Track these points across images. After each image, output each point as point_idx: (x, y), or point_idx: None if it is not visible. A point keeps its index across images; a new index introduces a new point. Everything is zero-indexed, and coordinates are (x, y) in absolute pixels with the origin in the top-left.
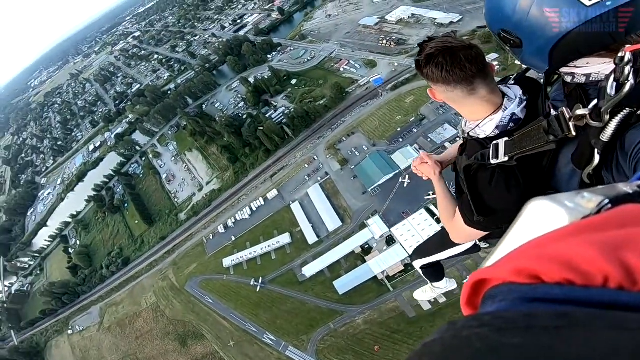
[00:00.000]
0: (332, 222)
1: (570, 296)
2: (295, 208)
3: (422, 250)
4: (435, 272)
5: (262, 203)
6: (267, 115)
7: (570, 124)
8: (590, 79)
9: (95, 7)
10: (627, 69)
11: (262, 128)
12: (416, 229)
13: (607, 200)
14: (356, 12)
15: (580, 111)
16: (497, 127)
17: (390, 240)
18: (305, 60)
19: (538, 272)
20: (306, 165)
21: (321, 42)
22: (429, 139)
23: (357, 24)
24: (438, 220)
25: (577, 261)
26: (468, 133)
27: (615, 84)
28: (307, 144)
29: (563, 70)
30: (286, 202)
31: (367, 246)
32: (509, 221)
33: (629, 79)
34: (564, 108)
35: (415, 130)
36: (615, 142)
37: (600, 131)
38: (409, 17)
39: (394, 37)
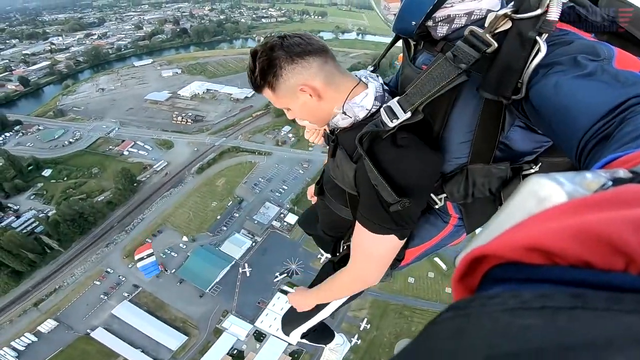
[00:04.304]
0: (171, 339)
1: (587, 280)
2: (101, 336)
3: (295, 317)
4: (323, 332)
5: (35, 339)
6: (2, 225)
7: (487, 35)
8: (473, 17)
9: None
10: None
11: None
12: (281, 315)
13: (610, 182)
14: (141, 87)
15: (503, 10)
16: (376, 99)
17: (259, 336)
18: (66, 142)
19: (552, 250)
20: (96, 282)
21: (91, 119)
22: (255, 222)
23: (144, 99)
24: None
25: (598, 240)
26: (337, 127)
27: None
28: (90, 256)
29: (439, 13)
30: (80, 332)
31: (236, 351)
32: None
33: None
34: (471, 26)
35: (237, 215)
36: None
37: (539, 17)
38: (204, 92)
39: (190, 114)
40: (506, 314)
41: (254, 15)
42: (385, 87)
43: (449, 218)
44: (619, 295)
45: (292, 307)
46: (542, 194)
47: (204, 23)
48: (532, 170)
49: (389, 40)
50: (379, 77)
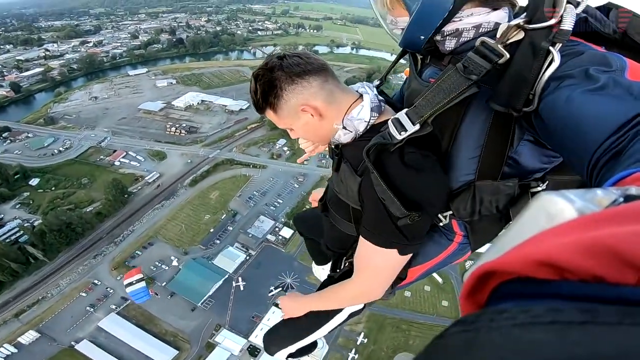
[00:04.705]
0: (161, 353)
1: (598, 294)
2: (86, 348)
3: (285, 336)
4: (307, 346)
5: (15, 350)
6: None
7: (499, 46)
8: (481, 30)
9: None
10: None
11: None
12: None
13: (622, 199)
14: (135, 96)
15: (515, 20)
16: (372, 110)
17: (254, 351)
18: (55, 151)
19: (563, 265)
20: (82, 294)
21: (82, 128)
22: (250, 235)
23: (137, 108)
24: None
25: (609, 254)
26: (339, 142)
27: None
28: (76, 267)
29: (448, 27)
30: (63, 344)
31: None
32: (439, 211)
33: None
34: (482, 37)
35: (230, 228)
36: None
37: (550, 28)
38: (198, 103)
39: (184, 125)
40: (516, 328)
41: (250, 28)
42: (381, 97)
43: (453, 236)
44: (630, 309)
45: (279, 323)
46: (553, 210)
47: (200, 34)
48: (540, 188)
49: (382, 54)
50: (373, 88)
